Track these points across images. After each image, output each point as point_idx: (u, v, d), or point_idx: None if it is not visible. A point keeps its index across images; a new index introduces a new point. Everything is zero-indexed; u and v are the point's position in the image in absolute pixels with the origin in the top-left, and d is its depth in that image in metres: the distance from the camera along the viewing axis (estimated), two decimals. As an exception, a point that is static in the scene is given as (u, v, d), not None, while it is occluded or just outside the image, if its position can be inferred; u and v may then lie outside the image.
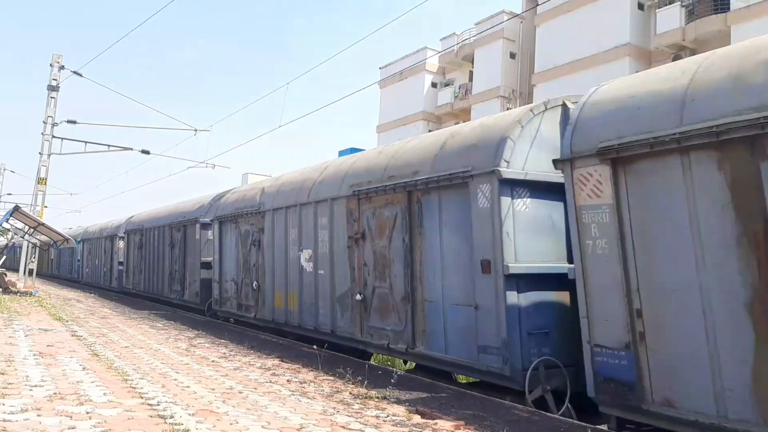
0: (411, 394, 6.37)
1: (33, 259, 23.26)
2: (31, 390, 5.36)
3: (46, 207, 22.14)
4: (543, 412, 5.77)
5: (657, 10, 21.90)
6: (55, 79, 21.03)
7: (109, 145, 22.64)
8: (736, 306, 4.36)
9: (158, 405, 5.09)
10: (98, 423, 4.36)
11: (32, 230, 21.38)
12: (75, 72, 21.19)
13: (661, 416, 4.82)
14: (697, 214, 4.58)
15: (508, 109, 8.76)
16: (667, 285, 4.81)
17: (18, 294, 18.23)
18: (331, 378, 7.06)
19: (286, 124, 57.83)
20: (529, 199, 6.57)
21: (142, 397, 5.36)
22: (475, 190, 6.64)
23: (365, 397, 5.98)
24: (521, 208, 6.49)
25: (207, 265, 15.04)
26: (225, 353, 8.79)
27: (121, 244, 23.30)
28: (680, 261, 4.71)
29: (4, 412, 4.47)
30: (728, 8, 19.52)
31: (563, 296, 6.52)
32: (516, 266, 6.28)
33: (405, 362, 9.24)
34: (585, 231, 5.36)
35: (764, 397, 4.19)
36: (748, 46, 4.70)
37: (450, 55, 30.62)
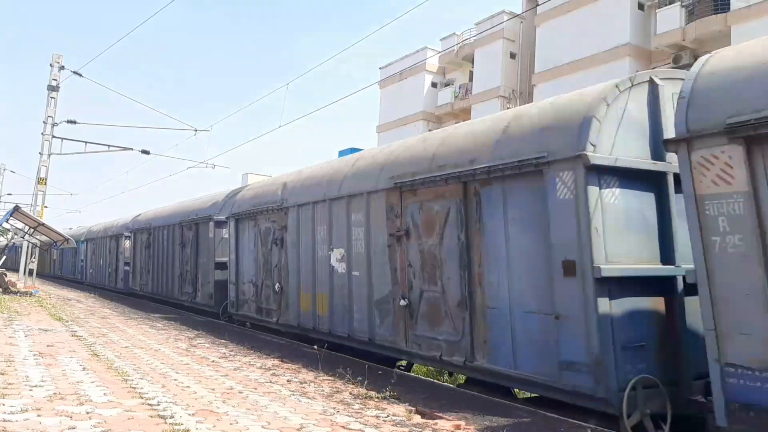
0: (411, 394, 6.37)
1: (33, 259, 23.25)
2: (31, 390, 5.36)
3: (46, 207, 22.16)
4: (543, 412, 5.76)
5: (657, 10, 21.89)
6: (55, 79, 21.04)
7: (109, 145, 22.64)
8: None
9: (158, 405, 5.09)
10: (98, 423, 4.36)
11: (32, 230, 21.38)
12: (75, 72, 21.21)
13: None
14: None
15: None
16: None
17: (18, 294, 18.23)
18: (331, 378, 7.06)
19: (286, 124, 57.83)
20: (618, 190, 5.64)
21: (142, 397, 5.36)
22: (553, 178, 5.70)
23: (365, 397, 5.98)
24: (610, 200, 5.58)
25: (222, 266, 14.25)
26: (225, 353, 8.79)
27: (127, 243, 22.57)
28: None
29: (4, 412, 4.47)
30: (728, 8, 19.51)
31: (658, 303, 5.68)
32: (609, 268, 5.33)
33: (450, 374, 8.29)
34: (709, 226, 4.50)
35: None
36: None
37: (450, 55, 30.62)
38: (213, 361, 7.95)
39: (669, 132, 5.53)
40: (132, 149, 23.22)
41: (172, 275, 17.57)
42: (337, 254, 9.24)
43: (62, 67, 21.16)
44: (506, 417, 5.52)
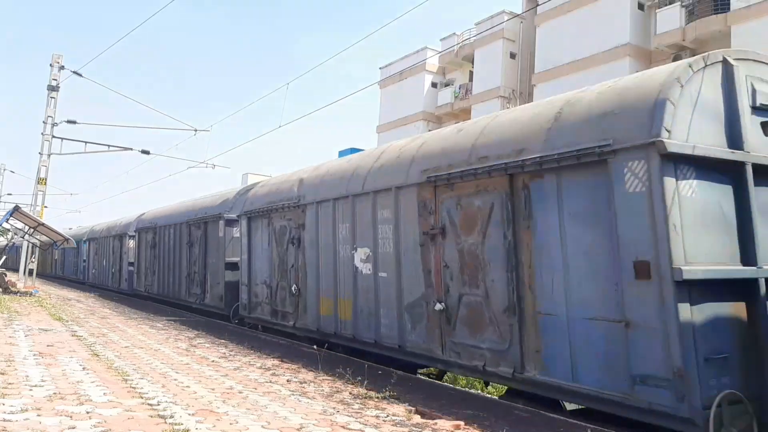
0: (411, 394, 6.37)
1: (33, 259, 23.26)
2: (31, 390, 5.36)
3: (46, 207, 22.17)
4: (542, 411, 5.77)
5: (657, 10, 21.91)
6: (55, 79, 21.05)
7: (109, 145, 22.66)
8: None
9: (158, 405, 5.09)
10: (98, 423, 4.37)
11: (32, 230, 21.38)
12: (75, 72, 21.22)
13: None
14: None
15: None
16: None
17: (18, 294, 18.23)
18: (331, 378, 7.06)
19: (286, 124, 57.86)
20: (695, 181, 5.07)
21: (142, 397, 5.36)
22: (620, 169, 5.12)
23: (365, 397, 5.99)
24: (687, 193, 5.00)
25: (232, 266, 13.65)
26: (225, 353, 8.79)
27: (132, 243, 22.00)
28: None
29: (4, 412, 4.47)
30: (728, 8, 19.52)
31: (739, 309, 5.14)
32: (690, 270, 4.74)
33: (486, 384, 7.77)
34: None
35: None
36: None
37: (450, 55, 30.64)
38: (213, 361, 7.96)
39: (746, 117, 5.27)
40: (132, 149, 23.28)
41: (179, 276, 16.98)
42: (361, 254, 8.61)
43: (62, 67, 21.18)
44: (506, 417, 5.53)
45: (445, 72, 32.53)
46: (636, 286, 4.98)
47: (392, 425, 4.93)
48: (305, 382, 6.75)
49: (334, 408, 5.47)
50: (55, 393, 5.30)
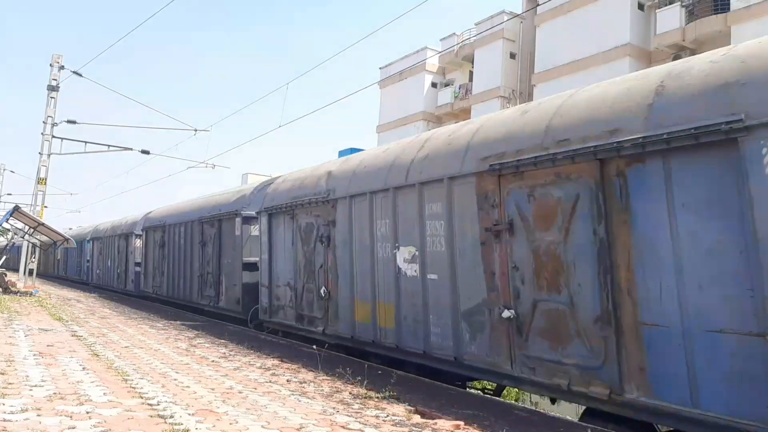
0: (411, 393, 6.37)
1: (33, 259, 23.27)
2: (31, 390, 5.36)
3: (46, 207, 22.18)
4: (542, 411, 5.77)
5: (657, 11, 21.92)
6: (55, 79, 21.06)
7: (109, 145, 22.68)
8: None
9: (158, 405, 5.09)
10: (98, 423, 4.37)
11: (32, 230, 21.39)
12: (75, 72, 21.25)
13: None
14: None
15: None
16: None
17: (18, 294, 18.23)
18: (331, 378, 7.06)
19: (286, 124, 57.87)
20: None
21: (142, 397, 5.36)
22: (757, 149, 4.30)
23: (365, 397, 5.99)
24: None
25: (250, 267, 12.83)
26: (225, 353, 8.80)
27: (138, 242, 21.25)
28: None
29: (4, 412, 4.48)
30: (728, 8, 19.54)
31: None
32: None
33: (553, 401, 6.71)
34: None
35: None
36: None
37: (450, 55, 30.66)
38: (213, 361, 7.96)
39: None
40: (132, 149, 23.31)
41: (191, 277, 16.12)
42: (405, 254, 7.74)
43: (62, 67, 21.20)
44: (506, 416, 5.53)
45: (445, 72, 32.56)
46: None
47: (392, 425, 4.94)
48: (305, 382, 6.75)
49: (333, 408, 5.47)
50: (55, 393, 5.30)
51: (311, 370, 7.53)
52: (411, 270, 7.63)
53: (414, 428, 4.89)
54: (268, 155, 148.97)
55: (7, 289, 18.84)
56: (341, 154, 26.17)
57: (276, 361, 8.22)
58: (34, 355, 7.44)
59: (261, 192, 12.75)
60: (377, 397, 5.98)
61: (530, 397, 8.03)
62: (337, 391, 6.30)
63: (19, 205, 19.69)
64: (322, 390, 6.34)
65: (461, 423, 5.13)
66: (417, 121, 31.60)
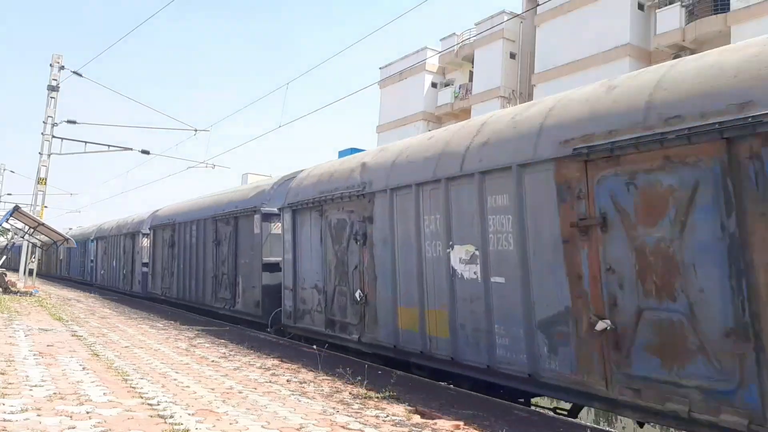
0: (411, 394, 6.37)
1: (33, 259, 23.28)
2: (31, 390, 5.36)
3: (46, 207, 22.18)
4: (542, 412, 5.77)
5: (657, 11, 21.95)
6: (55, 79, 21.07)
7: (109, 145, 22.68)
8: None
9: (158, 405, 5.09)
10: (98, 423, 4.37)
11: (32, 230, 21.40)
12: (75, 72, 21.25)
13: None
14: None
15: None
16: None
17: (18, 294, 18.24)
18: (331, 378, 7.07)
19: (286, 124, 57.91)
20: None
21: (142, 397, 5.36)
22: None
23: (365, 397, 5.99)
24: None
25: (271, 267, 12.01)
26: (225, 353, 8.80)
27: (146, 242, 20.39)
28: None
29: (4, 412, 4.48)
30: (728, 8, 19.55)
31: None
32: None
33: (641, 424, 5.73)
34: None
35: None
36: None
37: (450, 55, 30.68)
38: (213, 361, 7.96)
39: None
40: (132, 149, 23.29)
41: (204, 278, 15.21)
42: (461, 253, 6.86)
43: (62, 67, 21.20)
44: (506, 417, 5.53)
45: (445, 72, 32.59)
46: None
47: (392, 425, 4.94)
48: (305, 382, 6.75)
49: (333, 408, 5.47)
50: (55, 393, 5.30)
51: (311, 370, 7.53)
52: (469, 272, 6.73)
53: (414, 428, 4.89)
54: (268, 155, 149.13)
55: (7, 289, 18.85)
56: (341, 154, 26.19)
57: (276, 361, 8.22)
58: (34, 355, 7.44)
59: (283, 187, 11.93)
60: (377, 397, 5.98)
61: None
62: (337, 391, 6.30)
63: (19, 205, 19.70)
64: (322, 390, 6.34)
65: (461, 423, 5.13)
66: (417, 121, 31.64)
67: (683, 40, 20.73)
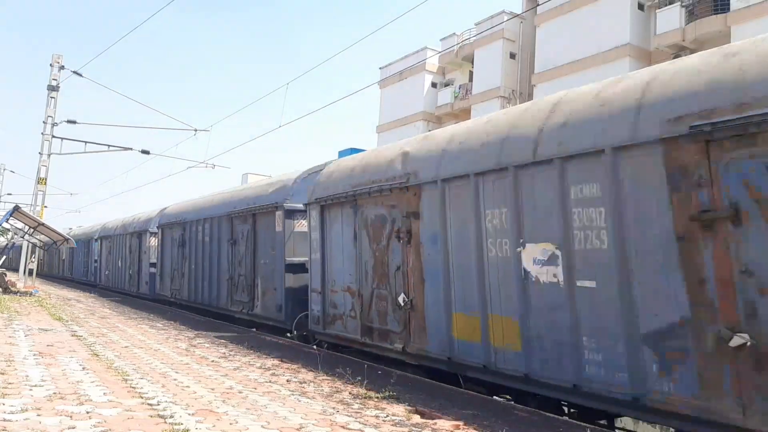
0: (410, 394, 6.37)
1: (33, 259, 23.28)
2: (31, 390, 5.37)
3: (46, 207, 22.19)
4: (542, 411, 5.77)
5: (657, 11, 21.95)
6: (55, 79, 21.08)
7: (109, 145, 22.68)
8: None
9: (158, 405, 5.09)
10: (98, 423, 4.37)
11: (32, 230, 21.41)
12: (75, 72, 21.27)
13: None
14: None
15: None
16: None
17: (18, 294, 18.24)
18: (331, 378, 7.07)
19: (286, 124, 57.93)
20: None
21: (141, 397, 5.36)
22: None
23: (365, 397, 5.99)
24: None
25: (294, 268, 11.24)
26: (225, 353, 8.80)
27: (153, 241, 19.58)
28: None
29: (4, 412, 4.48)
30: (728, 8, 19.55)
31: None
32: None
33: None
34: None
35: None
36: None
37: (450, 55, 30.68)
38: (213, 361, 7.96)
39: None
40: (132, 149, 23.29)
41: (218, 280, 14.39)
42: (535, 252, 5.95)
43: (62, 67, 21.22)
44: (506, 417, 5.53)
45: (445, 72, 32.60)
46: None
47: (392, 425, 4.94)
48: (305, 382, 6.75)
49: (333, 408, 5.47)
50: (55, 393, 5.30)
51: (311, 370, 7.53)
52: (547, 274, 5.82)
53: (414, 428, 4.89)
54: (268, 155, 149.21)
55: (7, 289, 18.85)
56: (341, 154, 26.17)
57: (276, 361, 8.22)
58: (34, 355, 7.44)
59: (307, 181, 11.14)
60: (377, 397, 5.98)
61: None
62: (337, 391, 6.30)
63: (19, 205, 19.72)
64: (322, 390, 6.34)
65: (461, 423, 5.13)
66: (417, 121, 31.66)
67: (683, 40, 20.74)
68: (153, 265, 19.57)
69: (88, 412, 4.67)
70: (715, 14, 19.92)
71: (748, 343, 4.23)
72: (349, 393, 6.22)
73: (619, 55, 21.89)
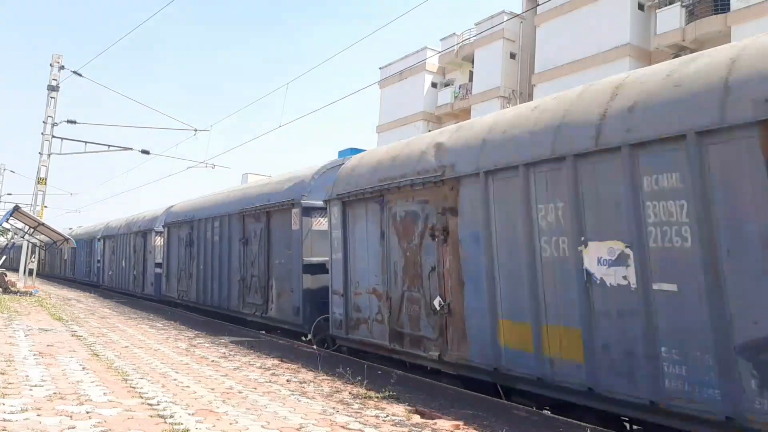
0: (410, 394, 6.37)
1: (33, 259, 23.29)
2: (31, 390, 5.37)
3: (46, 207, 22.20)
4: (542, 411, 5.77)
5: (657, 11, 21.96)
6: (55, 79, 21.09)
7: (109, 145, 22.70)
8: None
9: (158, 405, 5.09)
10: (98, 423, 4.37)
11: (32, 230, 21.42)
12: (75, 72, 21.28)
13: None
14: None
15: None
16: None
17: (18, 294, 18.25)
18: (331, 378, 7.07)
19: (286, 124, 57.96)
20: None
21: (141, 397, 5.37)
22: None
23: (365, 397, 5.99)
24: None
25: (312, 268, 10.62)
26: (225, 353, 8.80)
27: (159, 240, 19.00)
28: None
29: (4, 412, 4.48)
30: (728, 8, 19.56)
31: None
32: None
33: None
34: None
35: None
36: None
37: (450, 55, 30.69)
38: (213, 361, 7.96)
39: None
40: (132, 149, 23.31)
41: (228, 281, 13.74)
42: (601, 251, 5.32)
43: (62, 67, 21.23)
44: (506, 416, 5.53)
45: (445, 72, 32.62)
46: None
47: (392, 425, 4.94)
48: (305, 382, 6.75)
49: (333, 408, 5.47)
50: (55, 393, 5.30)
51: (311, 370, 7.53)
52: (615, 276, 5.20)
53: (414, 428, 4.89)
54: (268, 155, 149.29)
55: (7, 289, 18.86)
56: (341, 154, 26.17)
57: (276, 361, 8.22)
58: (34, 355, 7.44)
59: (327, 176, 10.59)
60: (377, 397, 5.98)
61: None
62: (337, 391, 6.30)
63: (19, 205, 19.73)
64: (322, 390, 6.34)
65: (461, 423, 5.13)
66: (417, 121, 31.67)
67: (683, 40, 20.74)
68: (158, 265, 18.99)
69: (88, 412, 4.67)
70: (715, 14, 19.93)
71: None
72: (349, 393, 6.22)
73: (619, 55, 21.89)
